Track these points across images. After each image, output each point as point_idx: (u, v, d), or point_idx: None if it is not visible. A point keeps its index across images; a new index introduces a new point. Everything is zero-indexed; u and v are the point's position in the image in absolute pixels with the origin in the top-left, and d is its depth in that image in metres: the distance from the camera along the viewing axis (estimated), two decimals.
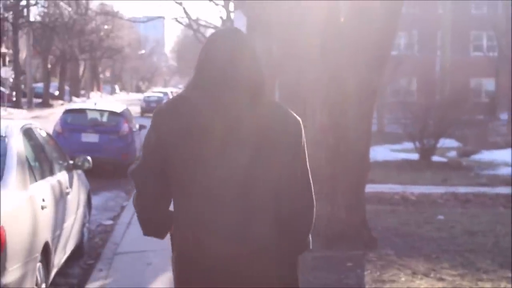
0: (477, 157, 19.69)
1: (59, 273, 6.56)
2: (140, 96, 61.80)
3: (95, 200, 10.32)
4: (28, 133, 6.17)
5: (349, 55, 7.43)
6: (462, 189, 12.74)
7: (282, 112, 2.93)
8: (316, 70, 7.49)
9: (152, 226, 3.02)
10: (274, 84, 16.38)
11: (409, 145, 20.80)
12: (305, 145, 2.91)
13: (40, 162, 6.27)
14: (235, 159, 2.80)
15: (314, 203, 2.98)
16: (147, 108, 46.21)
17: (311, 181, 2.98)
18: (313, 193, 2.97)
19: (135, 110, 36.22)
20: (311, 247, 3.01)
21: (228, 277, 2.80)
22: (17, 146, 5.55)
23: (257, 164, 2.81)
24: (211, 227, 2.80)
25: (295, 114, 2.94)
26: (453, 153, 20.44)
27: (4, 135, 5.57)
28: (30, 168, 5.67)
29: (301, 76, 7.56)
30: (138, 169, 2.92)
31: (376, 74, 7.72)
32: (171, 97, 37.31)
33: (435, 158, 18.81)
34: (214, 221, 2.80)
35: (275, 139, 2.83)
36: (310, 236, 3.00)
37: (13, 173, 5.19)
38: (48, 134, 7.23)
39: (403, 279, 6.37)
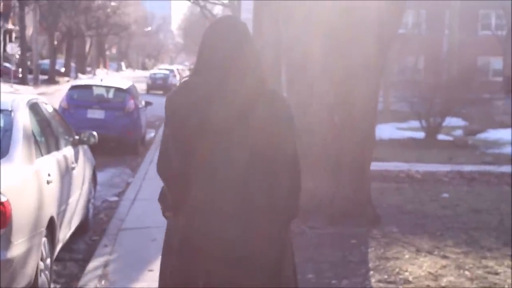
0: (483, 136, 19.63)
1: (64, 248, 6.60)
2: (146, 73, 61.67)
3: (100, 176, 10.36)
4: (34, 107, 6.17)
5: (357, 31, 7.38)
6: (467, 168, 12.71)
7: (278, 98, 3.22)
8: (323, 49, 7.45)
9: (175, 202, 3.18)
10: (280, 65, 16.31)
11: (415, 123, 20.74)
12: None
13: (46, 136, 6.28)
14: (237, 144, 3.08)
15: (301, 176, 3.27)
16: (153, 85, 46.22)
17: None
18: (300, 168, 3.26)
19: (141, 87, 36.19)
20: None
21: (228, 260, 3.04)
22: (23, 120, 5.56)
23: (257, 148, 3.08)
24: (213, 211, 3.05)
25: (286, 100, 3.28)
26: (459, 132, 20.38)
27: (10, 109, 5.57)
28: (36, 142, 5.68)
29: (307, 55, 7.53)
30: (160, 155, 3.19)
31: (383, 52, 7.68)
32: (177, 74, 37.26)
33: (441, 136, 18.78)
34: (217, 206, 3.05)
35: (271, 124, 3.11)
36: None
37: (19, 148, 5.20)
38: (54, 109, 7.23)
39: (406, 256, 6.38)
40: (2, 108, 5.62)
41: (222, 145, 3.07)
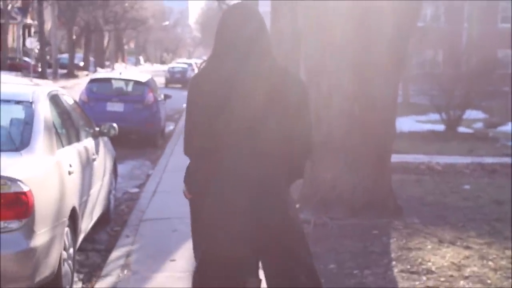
0: (503, 128, 19.47)
1: (86, 239, 6.63)
2: (164, 67, 61.81)
3: (121, 168, 10.39)
4: (54, 99, 6.18)
5: (377, 23, 7.33)
6: (488, 160, 12.62)
7: (290, 74, 3.59)
8: (343, 39, 7.41)
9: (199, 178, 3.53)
10: (299, 55, 16.24)
11: (434, 116, 20.62)
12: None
13: (67, 128, 6.29)
14: (259, 116, 3.43)
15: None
16: (172, 79, 46.30)
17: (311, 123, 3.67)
18: (311, 133, 3.64)
19: (160, 81, 36.25)
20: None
21: (247, 212, 3.41)
22: (44, 112, 5.56)
23: (269, 117, 3.43)
24: (240, 178, 3.43)
25: (300, 77, 3.69)
26: (479, 125, 20.26)
27: (31, 101, 5.58)
28: (57, 133, 5.69)
29: (326, 46, 7.49)
30: (186, 134, 3.53)
31: (403, 42, 7.62)
32: (195, 68, 37.55)
33: (461, 129, 18.66)
34: (242, 173, 3.43)
35: (285, 97, 3.47)
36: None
37: (40, 139, 5.21)
38: (74, 100, 7.25)
39: (429, 247, 6.34)
40: (23, 99, 5.64)
41: (245, 118, 3.41)
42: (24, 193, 4.48)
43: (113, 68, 59.97)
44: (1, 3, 45.03)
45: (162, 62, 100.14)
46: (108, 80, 16.47)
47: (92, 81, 16.44)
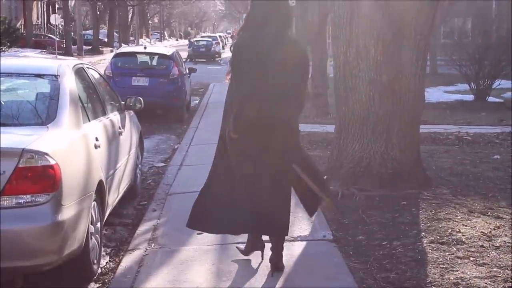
0: None
1: (113, 213, 6.64)
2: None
3: (147, 143, 10.39)
4: (80, 72, 6.15)
5: None
6: None
7: (298, 46, 5.02)
8: (370, 7, 7.27)
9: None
10: (325, 21, 16.04)
11: (463, 86, 20.37)
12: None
13: (92, 102, 6.27)
14: (277, 69, 4.79)
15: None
16: (195, 53, 46.20)
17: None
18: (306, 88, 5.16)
19: (185, 55, 36.22)
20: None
21: (268, 130, 4.80)
22: (70, 85, 5.53)
23: (286, 73, 4.80)
24: (262, 100, 4.78)
25: (306, 49, 5.21)
26: (509, 94, 19.93)
27: (56, 74, 5.56)
28: (83, 107, 5.67)
29: (353, 12, 7.36)
30: (236, 80, 4.86)
31: (431, 9, 7.46)
32: (219, 41, 37.98)
33: (491, 99, 18.40)
34: (265, 97, 4.79)
35: (295, 63, 4.84)
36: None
37: (66, 112, 5.19)
38: (99, 74, 7.22)
39: (459, 217, 6.25)
40: (48, 73, 5.62)
41: (274, 72, 4.77)
42: (51, 167, 4.47)
43: (137, 44, 60.01)
44: None
45: (188, 37, 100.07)
46: (133, 54, 16.46)
47: (117, 55, 16.42)
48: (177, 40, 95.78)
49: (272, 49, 4.74)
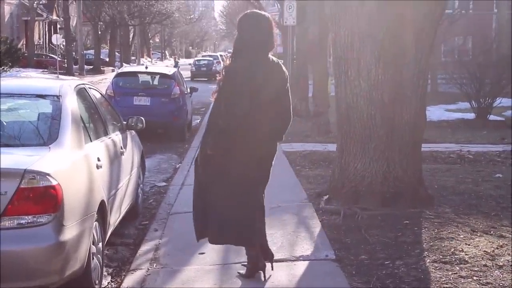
0: None
1: (114, 233, 6.62)
2: (191, 61, 61.90)
3: (148, 162, 10.37)
4: (81, 93, 6.17)
5: (406, 8, 7.21)
6: None
7: (281, 65, 5.28)
8: (371, 24, 7.29)
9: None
10: (326, 40, 16.10)
11: (464, 104, 20.37)
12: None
13: (94, 122, 6.28)
14: (269, 90, 5.08)
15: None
16: (197, 72, 46.32)
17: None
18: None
19: (186, 74, 36.29)
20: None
21: (262, 154, 5.17)
22: (72, 105, 5.54)
23: (279, 96, 5.17)
24: (257, 127, 5.04)
25: (284, 68, 5.34)
26: (509, 113, 19.95)
27: (58, 95, 5.57)
28: (85, 127, 5.68)
29: (354, 31, 7.38)
30: (228, 102, 4.95)
31: (431, 28, 7.48)
32: (220, 61, 38.57)
33: (492, 117, 18.40)
34: (258, 132, 5.06)
35: (282, 82, 5.21)
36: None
37: (68, 133, 5.19)
38: (101, 94, 7.23)
39: (462, 236, 6.23)
40: (50, 93, 5.63)
41: (267, 93, 5.04)
42: (53, 187, 4.47)
43: (139, 63, 60.20)
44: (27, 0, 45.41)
45: (189, 56, 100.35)
46: (134, 74, 16.49)
47: (118, 75, 16.46)
48: (178, 59, 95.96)
49: (270, 76, 5.06)
